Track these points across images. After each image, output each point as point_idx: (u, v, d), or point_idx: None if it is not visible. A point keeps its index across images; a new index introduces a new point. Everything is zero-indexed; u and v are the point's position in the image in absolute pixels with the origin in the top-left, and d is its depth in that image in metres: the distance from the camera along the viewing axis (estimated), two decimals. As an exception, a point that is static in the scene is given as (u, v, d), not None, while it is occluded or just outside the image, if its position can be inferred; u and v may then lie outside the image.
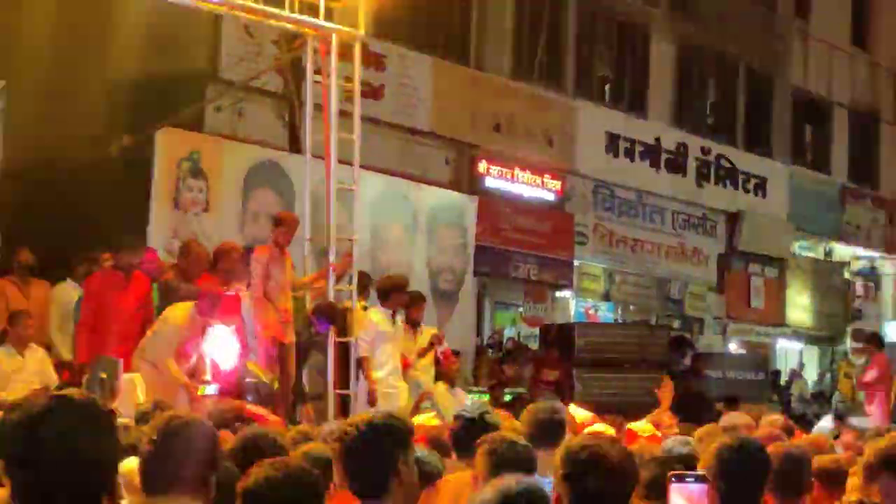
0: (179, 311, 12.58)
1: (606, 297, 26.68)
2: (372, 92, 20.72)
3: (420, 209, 21.74)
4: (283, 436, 6.98)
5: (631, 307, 27.38)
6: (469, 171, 23.16)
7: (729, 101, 30.02)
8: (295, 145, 18.64)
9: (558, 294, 25.41)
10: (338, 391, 13.81)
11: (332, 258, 14.11)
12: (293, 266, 14.16)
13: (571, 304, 26.09)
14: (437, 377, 15.60)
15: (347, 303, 14.25)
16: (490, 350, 22.85)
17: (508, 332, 24.84)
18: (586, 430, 8.36)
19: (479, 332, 23.78)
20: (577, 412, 9.07)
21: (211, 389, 12.39)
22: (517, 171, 23.79)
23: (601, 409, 15.07)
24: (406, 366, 14.83)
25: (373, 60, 20.54)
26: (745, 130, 30.26)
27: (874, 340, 20.58)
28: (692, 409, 16.67)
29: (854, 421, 16.94)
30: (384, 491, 4.76)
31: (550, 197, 24.56)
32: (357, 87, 14.49)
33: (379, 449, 4.81)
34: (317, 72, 14.35)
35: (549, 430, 7.02)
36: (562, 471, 4.46)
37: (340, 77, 14.26)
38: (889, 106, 35.17)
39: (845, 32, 33.87)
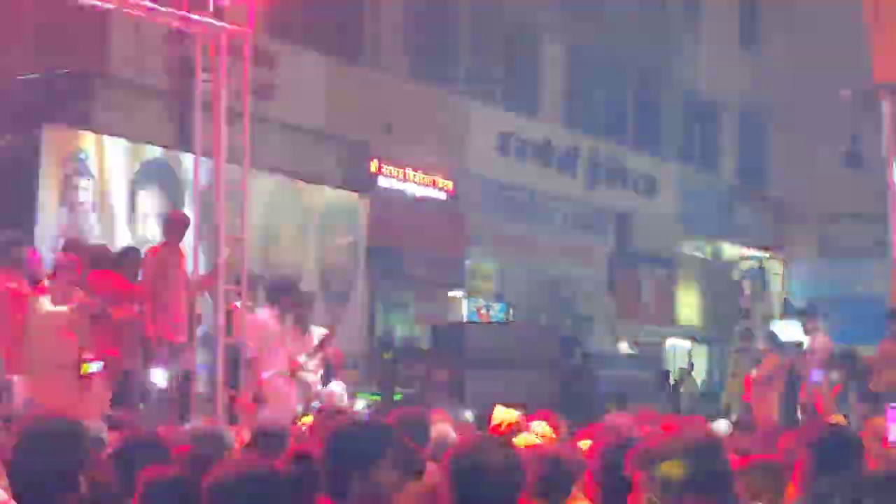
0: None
1: (498, 296, 26.74)
2: (263, 91, 20.53)
3: (311, 209, 21.66)
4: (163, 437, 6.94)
5: (522, 307, 27.46)
6: (361, 171, 23.09)
7: (619, 101, 30.24)
8: (185, 144, 18.44)
9: (450, 294, 25.44)
10: (226, 392, 13.71)
11: (220, 258, 14.00)
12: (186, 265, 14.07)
13: (463, 304, 26.11)
14: (328, 377, 15.61)
15: (235, 303, 14.16)
16: (381, 350, 22.80)
17: (400, 333, 24.83)
18: (522, 434, 8.36)
19: (370, 333, 23.72)
20: (502, 413, 9.05)
21: (94, 367, 12.29)
22: (409, 171, 23.78)
23: (490, 410, 15.09)
24: (295, 366, 14.76)
25: (264, 59, 20.36)
26: (635, 131, 30.51)
27: (767, 338, 20.85)
28: (581, 409, 16.80)
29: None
30: (354, 494, 4.82)
31: (442, 197, 24.58)
32: (247, 87, 14.38)
33: (350, 454, 4.88)
34: (207, 70, 14.23)
35: (415, 433, 7.14)
36: (445, 474, 4.44)
37: (231, 76, 14.15)
38: (776, 107, 35.63)
39: (734, 33, 34.28)
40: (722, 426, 10.99)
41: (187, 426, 9.43)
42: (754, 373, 20.18)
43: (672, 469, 3.70)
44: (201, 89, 14.30)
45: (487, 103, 26.18)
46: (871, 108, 19.55)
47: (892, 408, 7.43)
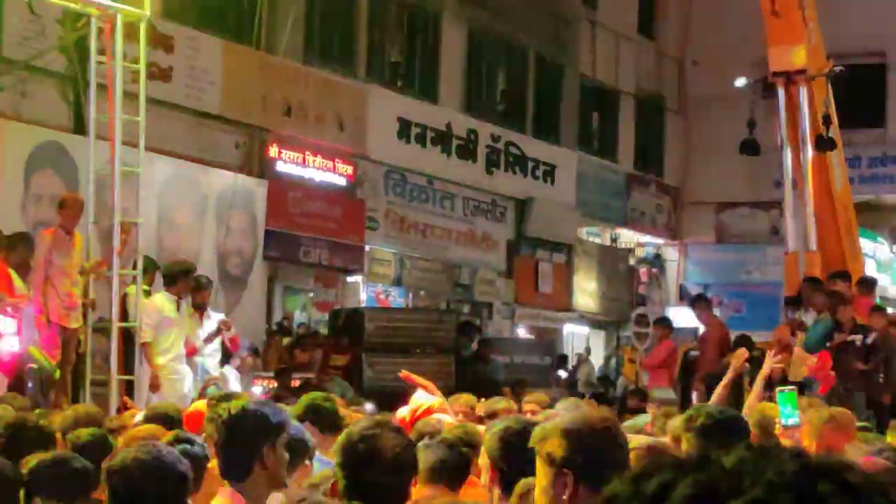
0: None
1: (397, 282, 26.74)
2: (160, 73, 20.38)
3: (209, 193, 21.48)
4: (50, 423, 6.89)
5: (421, 292, 27.50)
6: (259, 156, 22.94)
7: (518, 88, 30.36)
8: (80, 126, 18.22)
9: (349, 279, 25.39)
10: (121, 377, 13.59)
11: (115, 242, 13.84)
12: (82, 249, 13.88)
13: (362, 289, 26.08)
14: (225, 362, 15.54)
15: (130, 287, 14.02)
16: (279, 335, 22.71)
17: (299, 318, 24.73)
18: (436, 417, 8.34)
19: (268, 317, 23.61)
20: (421, 398, 9.03)
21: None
22: (308, 155, 23.66)
23: (389, 395, 15.09)
24: (192, 351, 14.66)
25: (161, 42, 20.20)
26: (535, 118, 30.65)
27: (661, 323, 21.03)
28: (479, 394, 16.81)
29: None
30: (248, 476, 4.86)
31: (341, 182, 24.51)
32: (143, 69, 14.23)
33: (243, 438, 4.93)
34: (102, 52, 14.05)
35: (325, 418, 7.17)
36: (338, 459, 4.43)
37: (126, 58, 13.98)
38: (674, 95, 36.01)
39: (632, 22, 34.54)
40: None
41: (69, 411, 9.32)
42: (648, 358, 20.38)
43: (558, 449, 3.70)
44: (96, 71, 14.13)
45: (388, 88, 26.13)
46: (767, 96, 19.81)
47: (783, 390, 7.48)
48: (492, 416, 9.81)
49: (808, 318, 17.46)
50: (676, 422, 6.85)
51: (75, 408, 9.88)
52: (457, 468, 5.58)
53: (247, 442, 4.90)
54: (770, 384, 16.73)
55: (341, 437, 4.54)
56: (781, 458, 1.63)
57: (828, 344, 16.36)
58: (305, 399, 7.85)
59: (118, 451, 4.71)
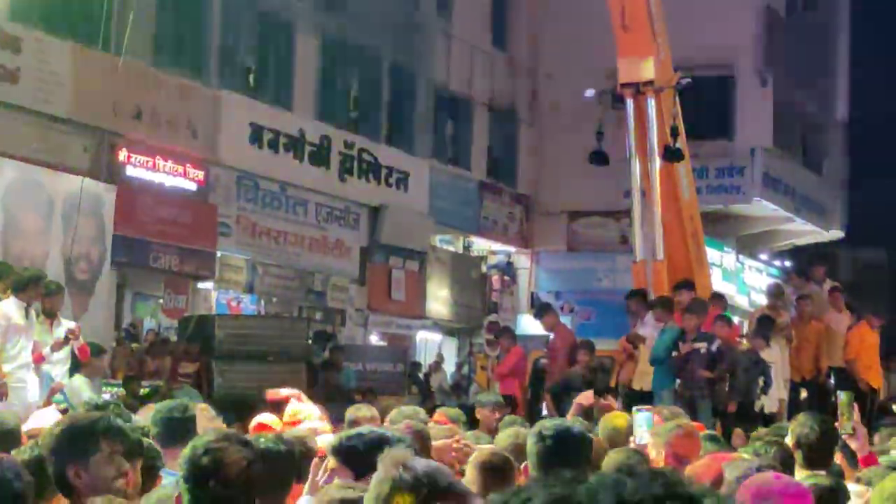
0: None
1: (249, 288, 26.55)
2: (7, 75, 20.03)
3: (56, 197, 21.11)
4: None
5: (274, 299, 27.35)
6: (109, 160, 22.61)
7: (372, 95, 30.36)
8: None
9: (200, 285, 25.16)
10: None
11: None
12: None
13: (213, 296, 25.87)
14: (74, 370, 15.31)
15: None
16: (128, 342, 22.42)
17: (148, 324, 24.45)
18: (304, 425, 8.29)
19: (117, 324, 23.29)
20: (297, 406, 8.96)
21: None
22: (159, 160, 23.39)
23: (240, 403, 14.99)
24: (38, 359, 14.40)
25: (7, 43, 19.85)
26: (388, 125, 30.69)
27: (506, 334, 21.18)
28: (330, 402, 16.78)
29: None
30: (70, 492, 4.84)
31: (193, 187, 24.26)
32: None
33: (57, 454, 4.96)
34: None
35: (179, 429, 7.04)
36: (182, 472, 4.37)
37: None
38: (526, 105, 36.31)
39: (486, 32, 34.77)
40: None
41: None
42: (498, 366, 20.49)
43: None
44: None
45: (240, 93, 25.95)
46: (617, 107, 20.08)
47: (640, 410, 7.61)
48: (353, 423, 9.80)
49: (644, 329, 17.73)
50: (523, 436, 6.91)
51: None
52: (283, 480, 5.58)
53: (71, 453, 4.91)
54: (617, 392, 16.99)
55: (186, 450, 4.47)
56: (641, 477, 1.66)
57: (674, 353, 16.63)
58: (158, 407, 7.73)
59: None
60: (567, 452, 5.79)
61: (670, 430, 6.97)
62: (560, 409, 16.84)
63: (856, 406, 7.14)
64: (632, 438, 7.58)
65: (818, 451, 7.15)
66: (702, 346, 16.61)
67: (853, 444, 6.94)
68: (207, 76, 25.18)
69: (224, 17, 25.64)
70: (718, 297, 19.76)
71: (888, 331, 20.94)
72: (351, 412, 9.82)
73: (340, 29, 28.46)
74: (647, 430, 7.32)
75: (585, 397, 10.42)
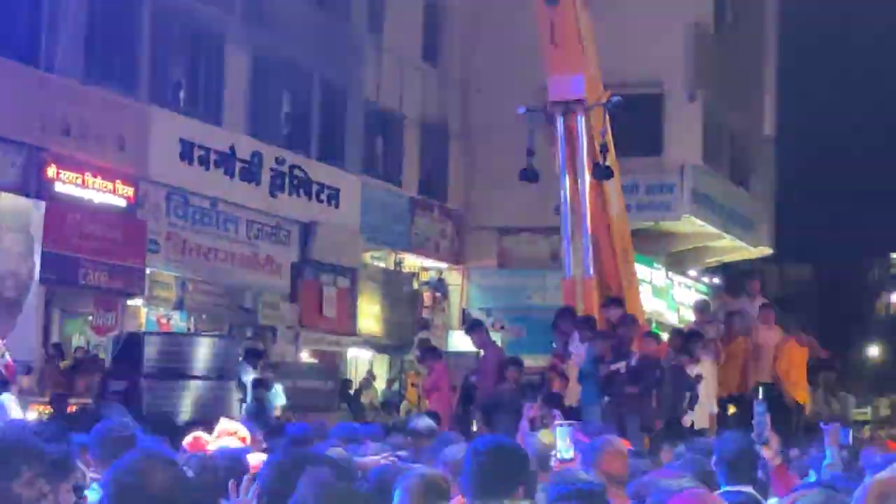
0: None
1: (179, 305, 26.40)
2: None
3: (-18, 214, 20.92)
4: None
5: (204, 316, 27.20)
6: (37, 176, 22.42)
7: (303, 111, 30.32)
8: None
9: (129, 302, 24.97)
10: None
11: None
12: None
13: (143, 313, 25.69)
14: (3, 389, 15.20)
15: None
16: (56, 359, 22.22)
17: (77, 342, 24.25)
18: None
19: (45, 342, 23.07)
20: (226, 424, 8.92)
21: None
22: (88, 176, 23.23)
23: (170, 421, 14.92)
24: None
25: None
26: (319, 141, 30.63)
27: (429, 351, 21.21)
28: (261, 420, 16.74)
29: None
30: None
31: (122, 203, 24.11)
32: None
33: None
34: None
35: (119, 448, 6.99)
36: (105, 492, 4.34)
37: None
38: (457, 121, 36.37)
39: (417, 48, 34.81)
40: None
41: None
42: (425, 383, 20.49)
43: None
44: None
45: (170, 109, 25.83)
46: (547, 124, 20.17)
47: (561, 425, 7.62)
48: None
49: (574, 346, 17.85)
50: (458, 452, 6.92)
51: None
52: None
53: None
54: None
55: (109, 470, 4.45)
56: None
57: (600, 374, 16.78)
58: (97, 427, 7.66)
59: None
60: (502, 469, 5.80)
61: (597, 450, 7.01)
62: (490, 426, 16.89)
63: (768, 416, 7.22)
64: (555, 453, 7.60)
65: (741, 466, 7.22)
66: (620, 366, 16.74)
67: (766, 454, 7.02)
68: (137, 91, 25.04)
69: (154, 32, 25.51)
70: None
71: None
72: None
73: (271, 44, 28.39)
74: (569, 444, 7.35)
75: (533, 408, 10.45)
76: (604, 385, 16.70)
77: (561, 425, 7.50)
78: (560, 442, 7.39)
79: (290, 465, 5.23)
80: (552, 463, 7.55)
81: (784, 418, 18.70)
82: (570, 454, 7.31)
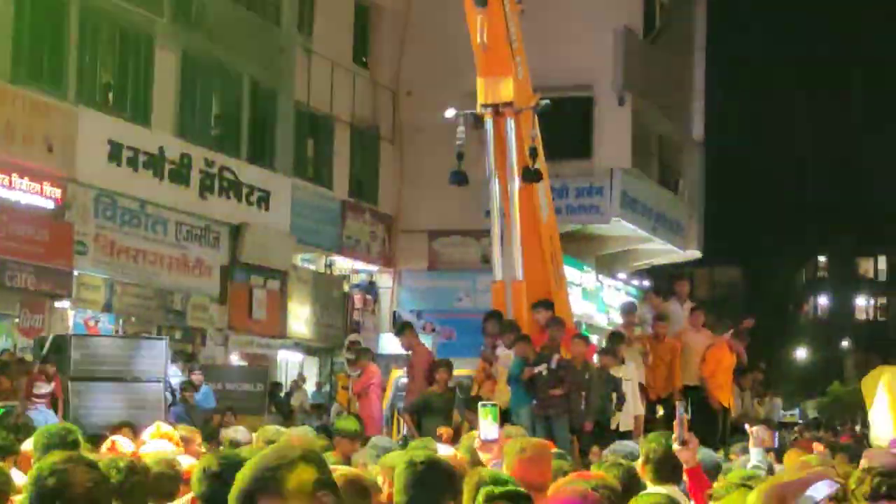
0: None
1: (107, 308, 26.21)
2: None
3: None
4: None
5: (132, 318, 27.02)
6: (-38, 177, 22.22)
7: (233, 113, 30.20)
8: None
9: (57, 304, 24.77)
10: None
11: None
12: None
13: (70, 315, 25.49)
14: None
15: None
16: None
17: (4, 344, 24.04)
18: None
19: (-30, 344, 22.86)
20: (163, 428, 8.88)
21: None
22: (15, 177, 23.03)
23: (95, 424, 14.84)
24: None
25: None
26: (249, 143, 30.53)
27: (362, 353, 21.20)
28: (190, 422, 16.68)
29: None
30: None
31: (49, 205, 23.93)
32: None
33: None
34: None
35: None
36: (27, 494, 4.33)
37: None
38: (388, 124, 36.39)
39: (347, 50, 34.80)
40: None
41: None
42: (354, 385, 20.49)
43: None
44: None
45: (98, 110, 25.65)
46: (477, 127, 20.19)
47: (486, 404, 7.56)
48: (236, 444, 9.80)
49: (503, 349, 17.92)
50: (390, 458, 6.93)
51: None
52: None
53: None
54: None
55: (31, 472, 4.44)
56: None
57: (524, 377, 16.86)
58: (40, 430, 7.62)
59: None
60: (435, 482, 5.83)
61: (515, 455, 7.00)
62: (419, 428, 16.93)
63: (685, 417, 7.26)
64: (476, 433, 7.58)
65: (666, 467, 7.28)
66: (542, 368, 16.81)
67: (683, 456, 7.08)
68: (65, 92, 24.86)
69: (82, 33, 25.33)
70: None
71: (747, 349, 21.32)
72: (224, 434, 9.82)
73: (201, 45, 28.28)
74: (492, 422, 7.28)
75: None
76: (528, 387, 16.77)
77: (485, 405, 7.46)
78: (482, 421, 7.35)
79: (223, 470, 5.22)
80: (476, 444, 7.52)
81: (709, 421, 18.89)
82: (494, 434, 7.29)
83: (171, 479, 6.94)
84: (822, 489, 3.63)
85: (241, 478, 3.46)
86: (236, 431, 11.26)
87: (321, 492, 3.46)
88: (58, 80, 24.84)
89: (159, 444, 8.58)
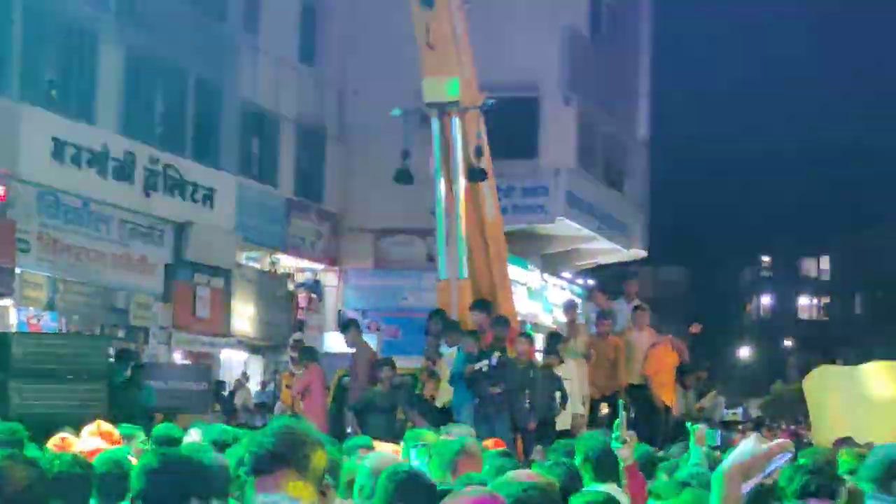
0: None
1: (50, 306, 26.04)
2: None
3: None
4: None
5: (75, 317, 26.83)
6: None
7: (178, 110, 30.07)
8: None
9: (-1, 302, 24.62)
10: None
11: None
12: None
13: (12, 314, 25.29)
14: None
15: None
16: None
17: (-56, 343, 23.80)
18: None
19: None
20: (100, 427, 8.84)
21: None
22: (-44, 174, 22.86)
23: (38, 423, 14.71)
24: None
25: None
26: (194, 141, 30.41)
27: (304, 352, 21.18)
28: (131, 421, 16.57)
29: None
30: None
31: (-8, 203, 23.76)
32: None
33: None
34: None
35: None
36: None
37: None
38: (334, 122, 36.35)
39: (293, 48, 34.73)
40: None
41: None
42: (295, 385, 20.45)
43: None
44: None
45: (42, 107, 25.46)
46: (423, 126, 20.23)
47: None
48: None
49: (443, 348, 17.98)
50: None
51: None
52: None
53: None
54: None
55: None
56: None
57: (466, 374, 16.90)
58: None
59: None
60: (413, 496, 5.87)
61: (453, 453, 7.02)
62: (363, 427, 16.94)
63: (624, 416, 7.33)
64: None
65: (605, 465, 7.34)
66: (483, 364, 16.85)
67: (621, 454, 7.14)
68: (7, 89, 24.67)
69: (25, 29, 25.14)
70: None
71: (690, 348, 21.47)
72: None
73: (145, 43, 28.14)
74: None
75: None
76: (469, 384, 16.81)
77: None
78: None
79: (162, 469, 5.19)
80: None
81: (651, 419, 19.01)
82: None
83: (120, 479, 6.88)
84: (778, 460, 3.80)
85: (262, 443, 3.64)
86: (170, 429, 11.16)
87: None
88: (1, 76, 24.64)
89: (95, 441, 8.52)
